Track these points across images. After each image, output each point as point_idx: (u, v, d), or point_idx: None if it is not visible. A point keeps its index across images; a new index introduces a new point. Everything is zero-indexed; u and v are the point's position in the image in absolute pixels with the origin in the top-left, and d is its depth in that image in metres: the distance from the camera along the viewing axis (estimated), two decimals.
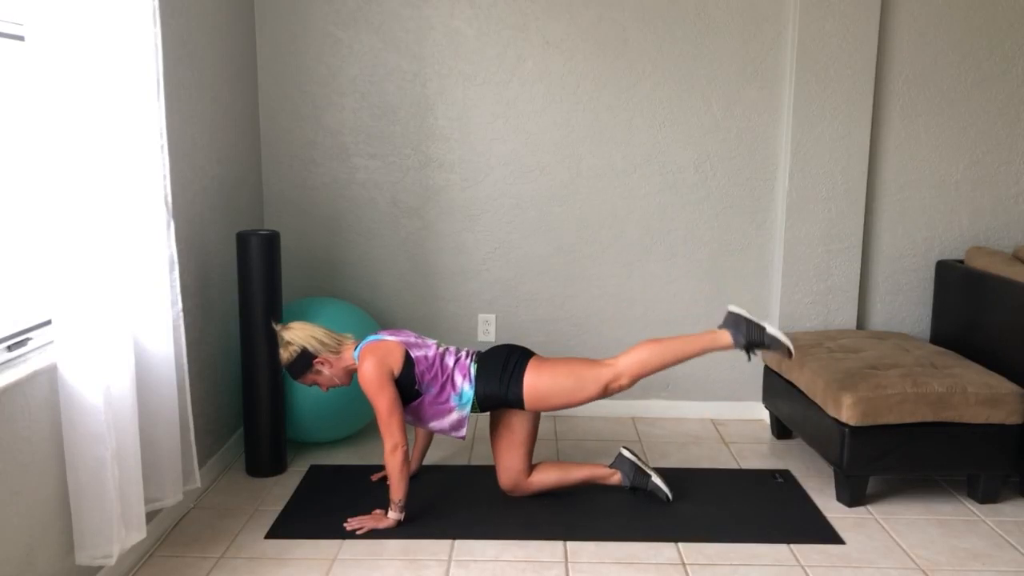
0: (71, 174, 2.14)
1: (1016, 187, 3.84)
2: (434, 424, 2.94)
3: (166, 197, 2.56)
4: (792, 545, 2.79)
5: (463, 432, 2.94)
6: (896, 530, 2.91)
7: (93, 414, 2.21)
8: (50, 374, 2.18)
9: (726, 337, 2.88)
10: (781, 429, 3.74)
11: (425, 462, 3.33)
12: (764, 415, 3.93)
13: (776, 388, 3.60)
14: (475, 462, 3.46)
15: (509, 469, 3.01)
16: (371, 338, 2.93)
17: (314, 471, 3.33)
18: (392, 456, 2.78)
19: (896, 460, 3.02)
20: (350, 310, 3.49)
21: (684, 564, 2.67)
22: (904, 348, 3.40)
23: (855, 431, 2.98)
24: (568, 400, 2.90)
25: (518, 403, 2.90)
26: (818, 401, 3.15)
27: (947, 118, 3.77)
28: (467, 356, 2.97)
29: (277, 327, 2.97)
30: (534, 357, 2.95)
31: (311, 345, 2.88)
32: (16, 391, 2.05)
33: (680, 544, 2.79)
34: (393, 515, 2.84)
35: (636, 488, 3.07)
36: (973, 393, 2.98)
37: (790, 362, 3.34)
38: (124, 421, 2.35)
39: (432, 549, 2.74)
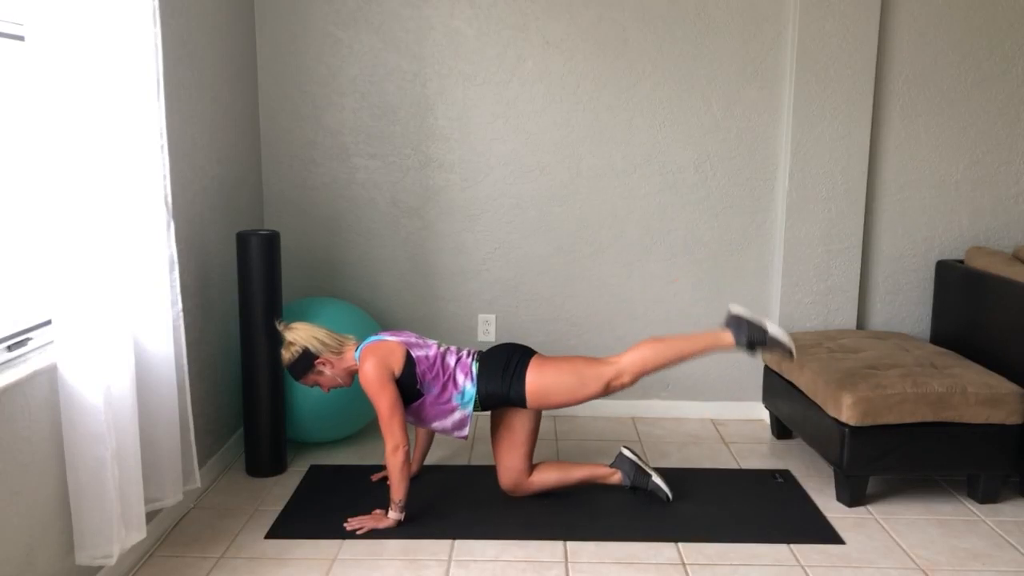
0: (71, 174, 2.14)
1: (1016, 187, 3.84)
2: (436, 424, 2.94)
3: (166, 197, 2.56)
4: (792, 545, 2.79)
5: (465, 431, 2.94)
6: (896, 530, 2.91)
7: (93, 414, 2.21)
8: (50, 374, 2.18)
9: (728, 337, 2.89)
10: (781, 429, 3.74)
11: (425, 462, 3.33)
12: (764, 415, 3.93)
13: (776, 388, 3.60)
14: (475, 462, 3.46)
15: (510, 469, 3.01)
16: (372, 338, 2.93)
17: (314, 471, 3.33)
18: (393, 456, 2.79)
19: (896, 460, 3.02)
20: (350, 310, 3.49)
21: (684, 564, 2.67)
22: (904, 348, 3.40)
23: (855, 431, 2.98)
24: (570, 398, 2.91)
25: (520, 401, 2.90)
26: (818, 401, 3.15)
27: (947, 118, 3.77)
28: (468, 355, 2.97)
29: (280, 326, 2.97)
30: (536, 355, 2.96)
31: (313, 345, 2.88)
32: (16, 391, 2.05)
33: (680, 544, 2.79)
34: (393, 515, 2.84)
35: (637, 487, 3.07)
36: (973, 393, 2.98)
37: (791, 362, 3.34)
38: (124, 421, 2.35)
39: (432, 549, 2.74)
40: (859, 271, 3.82)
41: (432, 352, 2.92)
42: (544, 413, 3.58)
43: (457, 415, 2.92)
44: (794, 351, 2.88)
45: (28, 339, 2.27)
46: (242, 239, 3.16)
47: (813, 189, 3.75)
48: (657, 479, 3.05)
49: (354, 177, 3.85)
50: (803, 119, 3.70)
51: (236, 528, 2.88)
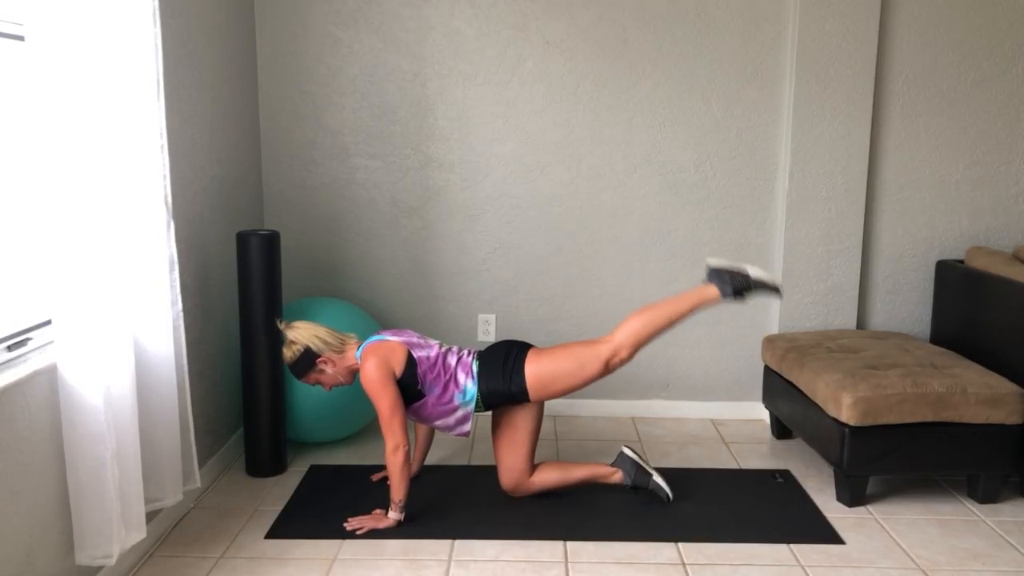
0: (71, 174, 2.14)
1: (1016, 187, 3.84)
2: (439, 422, 2.94)
3: (166, 197, 2.56)
4: (792, 545, 2.79)
5: (467, 427, 2.94)
6: (896, 530, 2.91)
7: (93, 414, 2.21)
8: (50, 374, 2.18)
9: (713, 290, 2.90)
10: (781, 429, 3.74)
11: (425, 462, 3.33)
12: (764, 415, 3.93)
13: (776, 388, 3.60)
14: (475, 462, 3.46)
15: (511, 469, 3.01)
16: (374, 338, 2.93)
17: (314, 471, 3.33)
18: (394, 456, 2.79)
19: (896, 460, 3.02)
20: (350, 310, 3.49)
21: (684, 564, 2.67)
22: (904, 348, 3.40)
23: (855, 431, 2.98)
24: (572, 382, 2.90)
25: (522, 394, 2.90)
26: (818, 401, 3.15)
27: (947, 118, 3.77)
28: (469, 354, 2.97)
29: (281, 325, 2.97)
30: (533, 348, 2.96)
31: (314, 344, 2.88)
32: (16, 391, 2.05)
33: (680, 544, 2.79)
34: (393, 515, 2.84)
35: (637, 487, 3.07)
36: (973, 393, 2.98)
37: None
38: (124, 421, 2.35)
39: (432, 549, 2.74)
40: (859, 271, 3.82)
41: (434, 353, 2.92)
42: (545, 413, 3.58)
43: (459, 413, 2.92)
44: (780, 287, 2.88)
45: (28, 339, 2.27)
46: (242, 239, 3.17)
47: (813, 189, 3.75)
48: (658, 479, 3.05)
49: (354, 177, 3.85)
50: (803, 119, 3.70)
51: (236, 528, 2.88)
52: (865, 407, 2.95)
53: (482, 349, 3.01)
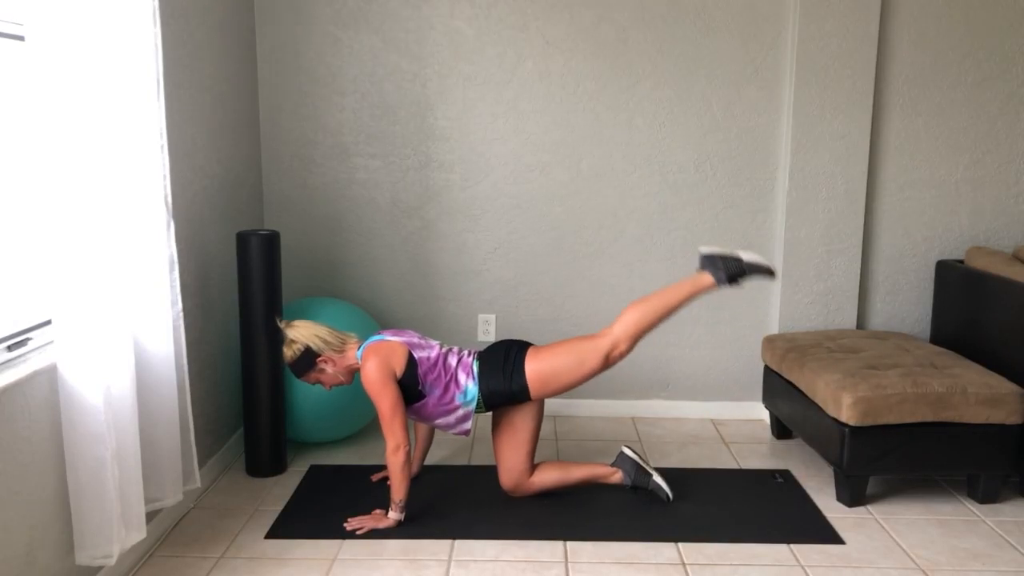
0: (71, 174, 2.14)
1: (1016, 187, 3.84)
2: (440, 421, 2.94)
3: (166, 197, 2.56)
4: (792, 545, 2.79)
5: (468, 425, 2.94)
6: (896, 530, 2.91)
7: (93, 414, 2.21)
8: (50, 374, 2.18)
9: (707, 278, 2.90)
10: (781, 429, 3.74)
11: (425, 462, 3.33)
12: (764, 415, 3.93)
13: (776, 388, 3.60)
14: (475, 462, 3.46)
15: (511, 469, 3.01)
16: (374, 338, 2.93)
17: (314, 471, 3.33)
18: (394, 456, 2.79)
19: (896, 460, 3.02)
20: (350, 310, 3.49)
21: (684, 564, 2.67)
22: (904, 348, 3.40)
23: (855, 431, 2.98)
24: (573, 378, 2.90)
25: (523, 393, 2.90)
26: (818, 401, 3.15)
27: (947, 118, 3.77)
28: (469, 355, 2.97)
29: (281, 324, 2.97)
30: (532, 346, 2.96)
31: (315, 344, 2.88)
32: (16, 391, 2.05)
33: (680, 544, 2.79)
34: (393, 515, 2.84)
35: (637, 487, 3.07)
36: (973, 393, 2.98)
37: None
38: (124, 421, 2.35)
39: (432, 549, 2.74)
40: (859, 271, 3.82)
41: (434, 353, 2.92)
42: (544, 413, 3.58)
43: (460, 412, 2.92)
44: (774, 269, 2.90)
45: (28, 339, 2.27)
46: (242, 239, 3.17)
47: (813, 189, 3.75)
48: (658, 479, 3.05)
49: (354, 177, 3.85)
50: (803, 119, 3.70)
51: (236, 528, 2.88)
52: (865, 407, 2.95)
53: (482, 350, 3.02)
